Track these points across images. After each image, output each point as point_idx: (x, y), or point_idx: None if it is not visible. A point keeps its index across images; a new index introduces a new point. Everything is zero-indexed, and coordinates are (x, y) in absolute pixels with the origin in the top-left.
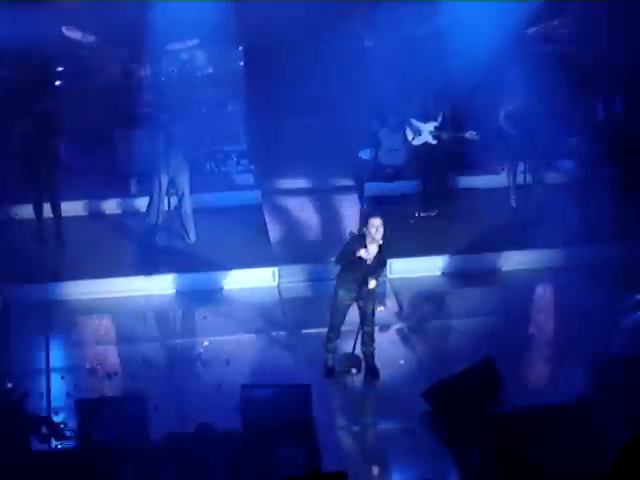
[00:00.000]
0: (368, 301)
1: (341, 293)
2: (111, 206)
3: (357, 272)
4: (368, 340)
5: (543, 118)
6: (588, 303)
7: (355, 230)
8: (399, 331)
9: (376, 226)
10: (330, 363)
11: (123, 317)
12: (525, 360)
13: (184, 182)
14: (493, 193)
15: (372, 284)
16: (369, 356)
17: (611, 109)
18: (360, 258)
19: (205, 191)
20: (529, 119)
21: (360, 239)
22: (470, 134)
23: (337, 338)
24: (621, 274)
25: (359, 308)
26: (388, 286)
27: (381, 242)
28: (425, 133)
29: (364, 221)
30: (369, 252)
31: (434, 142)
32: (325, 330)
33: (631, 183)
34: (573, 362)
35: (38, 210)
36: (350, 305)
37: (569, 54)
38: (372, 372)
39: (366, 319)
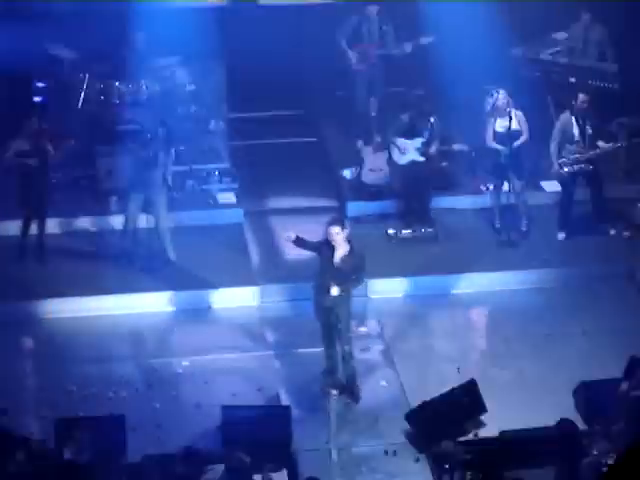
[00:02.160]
0: (341, 310)
1: (317, 298)
2: (91, 224)
3: (327, 275)
4: (347, 359)
5: (530, 137)
6: (572, 325)
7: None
8: (381, 352)
9: (333, 233)
10: (328, 365)
11: (101, 336)
12: (508, 382)
13: (161, 200)
14: (476, 213)
15: (334, 291)
16: (349, 376)
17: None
18: (329, 262)
19: (186, 209)
20: (516, 138)
21: (327, 244)
22: (458, 146)
23: (331, 347)
24: (605, 294)
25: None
26: (369, 306)
27: (348, 244)
28: (411, 151)
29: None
30: (336, 256)
31: (421, 159)
32: (306, 350)
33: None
34: (556, 386)
35: (26, 227)
36: (332, 310)
37: (555, 73)
38: (352, 393)
39: (340, 334)
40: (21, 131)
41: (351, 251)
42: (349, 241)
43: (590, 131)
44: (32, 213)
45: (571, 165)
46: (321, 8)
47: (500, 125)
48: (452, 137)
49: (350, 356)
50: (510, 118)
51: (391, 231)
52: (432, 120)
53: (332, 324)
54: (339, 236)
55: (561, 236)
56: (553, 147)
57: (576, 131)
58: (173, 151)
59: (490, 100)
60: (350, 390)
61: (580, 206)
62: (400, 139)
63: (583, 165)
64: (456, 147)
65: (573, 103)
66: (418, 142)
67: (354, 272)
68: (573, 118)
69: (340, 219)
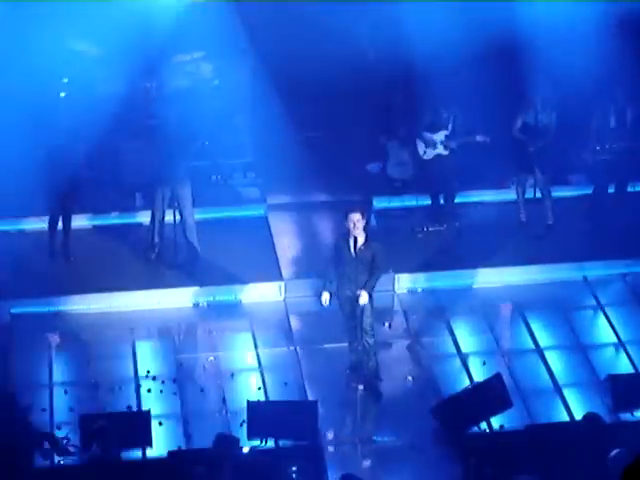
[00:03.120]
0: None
1: (341, 291)
2: (116, 219)
3: (350, 269)
4: (369, 352)
5: (557, 130)
6: (597, 319)
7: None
8: (407, 346)
9: (354, 220)
10: (353, 358)
11: (127, 331)
12: (533, 376)
13: (186, 195)
14: (502, 207)
15: (363, 299)
16: (371, 370)
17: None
18: (349, 255)
19: (211, 204)
20: (544, 130)
21: (343, 239)
22: (481, 137)
23: (355, 340)
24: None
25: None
26: (395, 301)
27: (364, 235)
28: (437, 145)
29: (345, 218)
30: (356, 246)
31: (446, 152)
32: (332, 345)
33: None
34: (583, 380)
35: (54, 223)
36: (356, 302)
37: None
38: (373, 387)
39: (363, 327)
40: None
41: (367, 240)
42: (365, 230)
43: None
44: (58, 209)
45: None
46: (346, 3)
47: (528, 117)
48: (474, 129)
49: (373, 350)
50: (537, 110)
51: (418, 225)
52: (454, 113)
53: (356, 317)
54: (360, 223)
55: None
56: None
57: None
58: (198, 146)
59: None
60: (371, 384)
61: None
62: (426, 133)
63: None
64: (479, 138)
65: None
66: (442, 135)
67: (374, 261)
68: None
69: (360, 207)
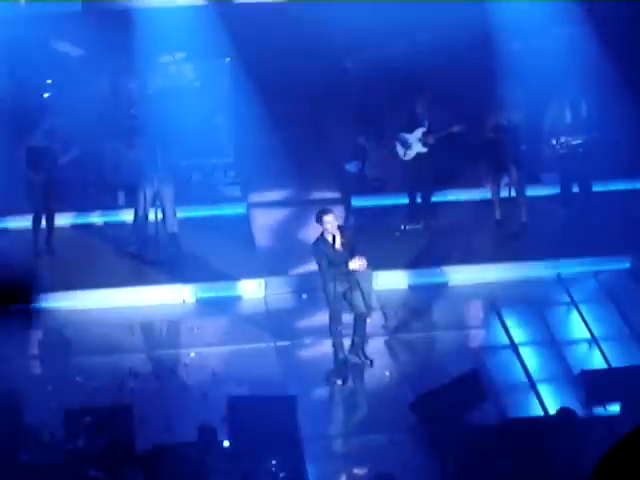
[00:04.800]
0: (354, 296)
1: (330, 284)
2: (99, 218)
3: (337, 262)
4: (357, 346)
5: (529, 129)
6: (572, 315)
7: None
8: (385, 343)
9: (329, 221)
10: (341, 356)
11: (110, 328)
12: (508, 372)
13: (169, 194)
14: (477, 206)
15: (353, 264)
16: (357, 347)
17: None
18: (332, 252)
19: (192, 203)
20: (516, 129)
21: (321, 240)
22: (457, 127)
23: (339, 336)
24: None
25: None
26: (374, 298)
27: (339, 232)
28: (415, 144)
29: (318, 221)
30: (336, 243)
31: (424, 150)
32: (311, 341)
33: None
34: (557, 375)
35: (37, 221)
36: (344, 295)
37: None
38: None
39: (357, 322)
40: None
41: (343, 234)
42: (339, 227)
43: None
44: (41, 207)
45: None
46: (322, 4)
47: (501, 117)
48: (450, 121)
49: (361, 346)
50: (510, 111)
51: (396, 224)
52: (430, 109)
53: (342, 311)
54: (334, 223)
55: None
56: None
57: None
58: (179, 146)
59: None
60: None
61: None
62: (403, 134)
63: None
64: (455, 129)
65: None
66: (419, 133)
67: (354, 245)
68: None
69: (329, 208)
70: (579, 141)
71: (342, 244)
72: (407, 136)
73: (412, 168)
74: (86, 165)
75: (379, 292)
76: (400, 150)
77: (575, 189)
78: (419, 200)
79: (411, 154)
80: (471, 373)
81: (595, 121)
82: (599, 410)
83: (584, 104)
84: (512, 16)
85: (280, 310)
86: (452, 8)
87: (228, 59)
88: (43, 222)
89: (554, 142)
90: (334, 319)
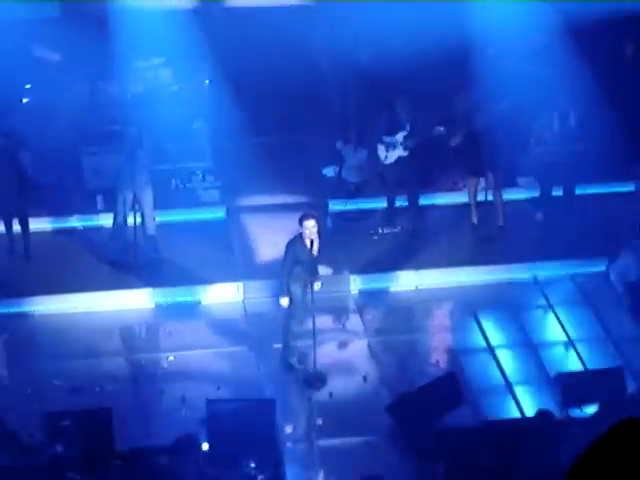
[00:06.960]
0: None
1: (294, 289)
2: (77, 222)
3: (306, 266)
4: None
5: (505, 133)
6: (550, 318)
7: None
8: (362, 346)
9: (310, 227)
10: (293, 360)
11: (88, 332)
12: (486, 374)
13: (147, 199)
14: (454, 209)
15: (317, 286)
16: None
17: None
18: (305, 255)
19: (171, 207)
20: (493, 133)
21: (298, 241)
22: (437, 130)
23: (298, 324)
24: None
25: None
26: (351, 301)
27: (318, 238)
28: (397, 146)
29: (300, 224)
30: (313, 249)
31: (405, 153)
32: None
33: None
34: (536, 377)
35: (8, 225)
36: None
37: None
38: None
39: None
40: None
41: (320, 241)
42: (319, 233)
43: None
44: (12, 211)
45: None
46: (300, 9)
47: (478, 121)
48: (431, 124)
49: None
50: (487, 114)
51: (373, 228)
52: (411, 112)
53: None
54: (315, 228)
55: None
56: None
57: None
58: (157, 150)
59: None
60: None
61: None
62: (385, 137)
63: None
64: (435, 131)
65: None
66: (401, 136)
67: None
68: None
69: (312, 213)
70: (564, 148)
71: (319, 251)
72: (389, 139)
73: (392, 171)
74: (65, 169)
75: (356, 295)
76: (382, 153)
77: (557, 193)
78: (397, 204)
79: (392, 157)
80: (448, 376)
81: (578, 128)
82: (575, 411)
83: (572, 113)
84: (492, 19)
85: (258, 314)
86: (431, 11)
87: (206, 64)
88: (16, 226)
89: (538, 149)
90: (296, 317)
